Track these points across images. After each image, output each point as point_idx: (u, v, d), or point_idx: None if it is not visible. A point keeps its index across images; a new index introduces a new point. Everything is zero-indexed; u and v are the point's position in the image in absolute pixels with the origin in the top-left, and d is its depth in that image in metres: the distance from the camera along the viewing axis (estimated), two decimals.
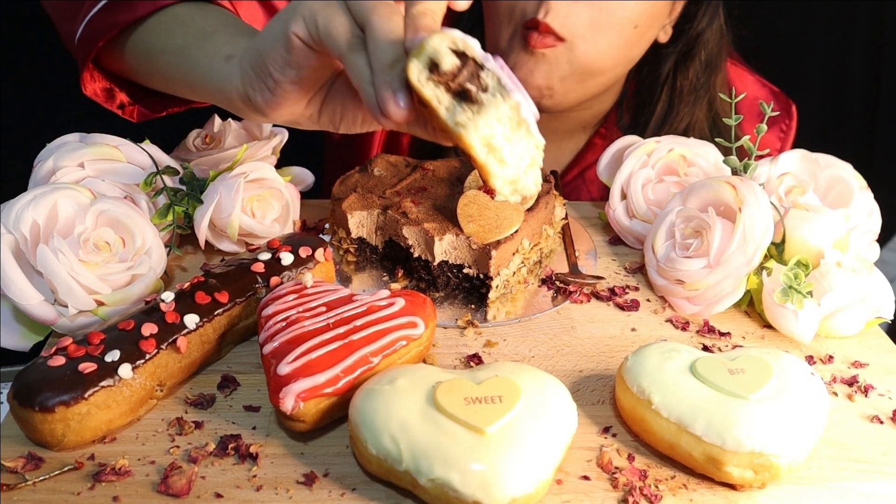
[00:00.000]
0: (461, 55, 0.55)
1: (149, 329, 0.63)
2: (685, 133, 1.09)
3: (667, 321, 0.78)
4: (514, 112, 0.55)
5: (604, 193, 1.15)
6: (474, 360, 0.71)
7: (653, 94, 1.11)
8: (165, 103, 0.90)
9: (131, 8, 0.80)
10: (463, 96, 0.55)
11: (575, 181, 1.16)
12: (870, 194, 0.85)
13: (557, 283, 0.82)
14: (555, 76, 0.99)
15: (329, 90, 0.67)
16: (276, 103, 0.65)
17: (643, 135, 1.05)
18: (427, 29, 0.56)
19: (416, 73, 0.54)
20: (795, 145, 1.13)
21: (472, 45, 0.55)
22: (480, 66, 0.55)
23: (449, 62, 0.54)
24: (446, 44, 0.54)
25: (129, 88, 0.90)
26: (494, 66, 0.55)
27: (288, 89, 0.64)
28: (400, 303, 0.66)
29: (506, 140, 0.56)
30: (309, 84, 0.64)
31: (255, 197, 0.83)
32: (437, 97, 0.55)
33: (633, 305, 0.80)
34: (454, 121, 0.55)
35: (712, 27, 1.08)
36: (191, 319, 0.65)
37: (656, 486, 0.59)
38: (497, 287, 0.78)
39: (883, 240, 0.87)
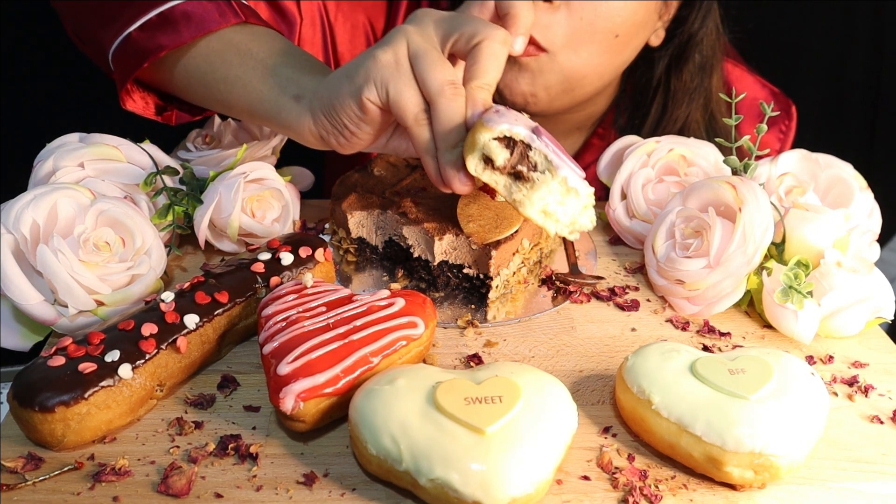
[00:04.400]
0: (509, 140, 0.62)
1: (149, 329, 0.63)
2: (681, 134, 1.09)
3: (667, 321, 0.78)
4: (563, 184, 0.63)
5: (602, 194, 1.15)
6: (474, 360, 0.71)
7: (647, 96, 1.11)
8: (203, 109, 0.88)
9: (176, 31, 0.78)
10: (517, 176, 0.63)
11: None
12: (870, 194, 0.85)
13: (557, 283, 0.82)
14: (539, 84, 0.98)
15: (398, 126, 0.72)
16: (350, 146, 0.72)
17: (639, 135, 1.05)
18: (484, 104, 0.64)
19: (473, 166, 0.63)
20: (795, 145, 1.13)
21: (517, 132, 0.62)
22: (528, 146, 0.63)
23: (500, 156, 0.62)
24: (494, 136, 0.62)
25: (164, 97, 0.88)
26: (540, 145, 0.63)
27: (362, 137, 0.70)
28: (400, 303, 0.66)
29: (558, 205, 0.64)
30: (381, 130, 0.71)
31: (255, 197, 0.83)
32: (495, 181, 0.64)
33: (633, 305, 0.80)
34: (512, 198, 0.64)
35: (706, 29, 1.08)
36: (191, 319, 0.65)
37: (656, 486, 0.59)
38: (497, 287, 0.78)
39: (883, 240, 0.87)
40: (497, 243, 0.76)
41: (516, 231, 0.78)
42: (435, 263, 0.78)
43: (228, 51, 0.77)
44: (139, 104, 0.86)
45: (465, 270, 0.78)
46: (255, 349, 0.71)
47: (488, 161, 0.63)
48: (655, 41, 1.07)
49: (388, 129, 0.73)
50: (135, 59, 0.79)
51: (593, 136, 1.15)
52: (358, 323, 0.63)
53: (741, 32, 1.14)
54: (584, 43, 0.96)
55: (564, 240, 0.89)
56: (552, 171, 0.63)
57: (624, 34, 0.98)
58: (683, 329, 0.77)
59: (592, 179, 1.13)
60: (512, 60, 0.96)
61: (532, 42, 0.94)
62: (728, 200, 0.77)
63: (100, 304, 0.70)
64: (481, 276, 0.78)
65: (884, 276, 0.77)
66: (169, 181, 0.82)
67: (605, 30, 0.96)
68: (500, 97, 1.00)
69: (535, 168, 0.63)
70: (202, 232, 0.80)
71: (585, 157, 1.16)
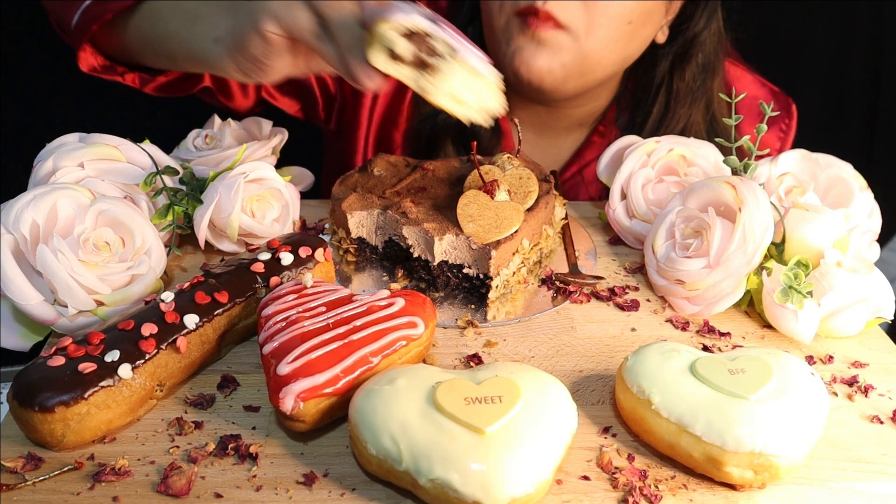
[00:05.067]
0: (410, 31, 0.65)
1: (148, 329, 0.63)
2: (682, 134, 1.09)
3: (667, 321, 0.78)
4: (466, 66, 0.66)
5: (602, 192, 1.15)
6: (474, 360, 0.71)
7: (649, 95, 1.11)
8: (161, 70, 0.97)
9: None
10: (422, 65, 0.66)
11: (573, 179, 1.16)
12: (870, 194, 0.85)
13: (557, 283, 0.82)
14: (556, 61, 0.99)
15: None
16: (269, 75, 0.76)
17: (640, 135, 1.04)
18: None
19: (379, 62, 0.65)
20: (795, 145, 1.13)
21: (417, 21, 0.64)
22: (429, 35, 0.65)
23: (402, 47, 0.65)
24: (394, 29, 0.64)
25: (126, 64, 0.97)
26: (440, 32, 0.65)
27: (279, 66, 0.75)
28: (400, 303, 0.66)
29: (465, 88, 0.67)
30: (295, 55, 0.74)
31: (255, 197, 0.83)
32: (401, 73, 0.66)
33: (633, 305, 0.80)
34: (419, 87, 0.66)
35: (710, 29, 1.08)
36: (190, 319, 0.65)
37: (656, 486, 0.59)
38: (497, 287, 0.78)
39: (883, 240, 0.87)
40: (497, 243, 0.76)
41: (516, 231, 0.78)
42: (435, 263, 0.78)
43: (166, 7, 0.86)
44: (99, 66, 0.96)
45: (465, 270, 0.78)
46: (255, 349, 0.71)
47: (394, 55, 0.65)
48: (661, 38, 1.08)
49: (301, 52, 0.76)
50: (88, 24, 0.90)
51: (594, 134, 1.16)
52: (358, 323, 0.63)
53: (742, 32, 1.14)
54: (601, 26, 0.98)
55: (564, 239, 0.89)
56: (455, 56, 0.65)
57: (636, 21, 1.00)
58: (683, 329, 0.77)
59: (593, 178, 1.13)
60: (528, 36, 0.98)
61: (551, 19, 0.96)
62: (728, 200, 0.77)
63: (100, 304, 0.70)
64: (481, 276, 0.78)
65: (884, 276, 0.77)
66: (169, 181, 0.82)
67: (620, 15, 0.98)
68: (516, 74, 1.01)
69: (438, 55, 0.65)
70: (202, 232, 0.80)
71: (586, 154, 1.16)
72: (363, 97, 1.15)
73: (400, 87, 1.13)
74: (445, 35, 0.65)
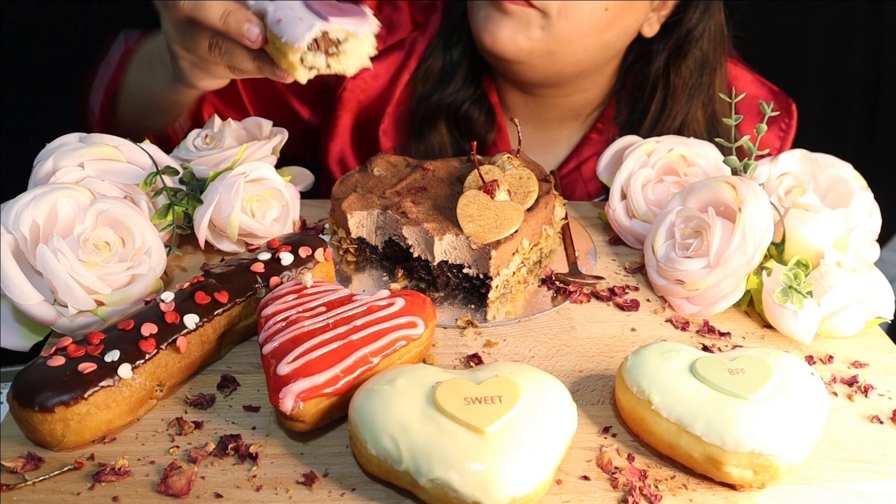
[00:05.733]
0: (315, 41, 0.72)
1: (148, 329, 0.63)
2: (681, 131, 1.09)
3: (667, 321, 0.78)
4: (363, 39, 0.74)
5: (600, 189, 1.15)
6: (474, 360, 0.71)
7: (646, 91, 1.11)
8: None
9: (106, 76, 1.07)
10: (330, 54, 0.73)
11: (571, 175, 1.16)
12: (870, 194, 0.85)
13: (557, 283, 0.82)
14: (523, 34, 1.00)
15: None
16: (222, 83, 0.87)
17: (638, 131, 1.04)
18: (247, 23, 0.74)
19: (302, 77, 0.74)
20: (795, 145, 1.13)
21: (315, 31, 0.71)
22: (327, 32, 0.72)
23: (319, 61, 0.73)
24: (304, 50, 0.71)
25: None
26: (334, 25, 0.72)
27: (214, 85, 0.87)
28: (400, 303, 0.66)
29: (366, 52, 0.76)
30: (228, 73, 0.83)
31: (255, 197, 0.83)
32: (319, 70, 0.74)
33: (633, 305, 0.80)
34: (335, 72, 0.74)
35: (705, 25, 1.08)
36: (190, 319, 0.65)
37: (656, 486, 0.59)
38: (497, 287, 0.78)
39: (883, 240, 0.87)
40: (497, 243, 0.76)
41: (516, 231, 0.78)
42: (435, 263, 0.78)
43: (127, 90, 1.03)
44: None
45: (465, 270, 0.78)
46: (255, 349, 0.71)
47: (310, 68, 0.73)
48: (649, 32, 1.08)
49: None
50: (99, 119, 1.09)
51: (592, 131, 1.16)
52: (358, 323, 0.63)
53: (742, 32, 1.14)
54: (575, 10, 0.98)
55: (564, 239, 0.89)
56: (354, 37, 0.74)
57: (613, 8, 1.00)
58: (683, 329, 0.77)
59: (591, 175, 1.13)
60: (497, 7, 0.99)
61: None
62: (728, 200, 0.77)
63: (100, 304, 0.70)
64: (481, 276, 0.78)
65: (884, 276, 0.77)
66: (169, 181, 0.82)
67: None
68: (482, 42, 1.02)
69: (341, 42, 0.73)
70: (202, 232, 0.80)
71: (584, 151, 1.16)
72: (338, 108, 1.16)
73: (383, 91, 1.14)
74: (339, 23, 0.72)
